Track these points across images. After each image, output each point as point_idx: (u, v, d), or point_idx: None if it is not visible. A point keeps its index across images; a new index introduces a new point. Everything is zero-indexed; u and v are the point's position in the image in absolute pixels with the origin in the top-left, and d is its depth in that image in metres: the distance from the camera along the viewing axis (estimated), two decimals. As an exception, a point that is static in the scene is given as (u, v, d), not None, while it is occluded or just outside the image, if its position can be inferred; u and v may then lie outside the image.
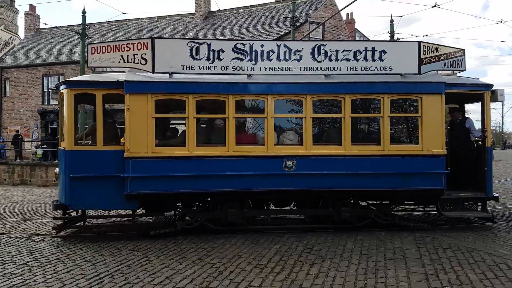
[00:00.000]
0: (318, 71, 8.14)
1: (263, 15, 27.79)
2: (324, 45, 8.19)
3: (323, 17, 25.15)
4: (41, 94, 30.16)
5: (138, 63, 7.96)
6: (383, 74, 8.19)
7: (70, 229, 8.55)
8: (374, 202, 8.90)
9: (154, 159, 7.77)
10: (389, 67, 8.19)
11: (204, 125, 9.14)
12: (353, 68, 8.16)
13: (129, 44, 8.03)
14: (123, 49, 8.03)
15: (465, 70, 8.97)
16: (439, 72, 8.75)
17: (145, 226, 8.72)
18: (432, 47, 8.47)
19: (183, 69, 7.94)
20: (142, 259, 6.56)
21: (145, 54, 7.90)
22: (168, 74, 7.95)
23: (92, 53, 8.25)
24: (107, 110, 10.98)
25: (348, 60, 8.14)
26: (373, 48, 8.20)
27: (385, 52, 8.17)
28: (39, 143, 26.22)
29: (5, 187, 18.89)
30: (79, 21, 23.09)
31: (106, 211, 9.43)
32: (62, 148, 8.17)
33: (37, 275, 5.83)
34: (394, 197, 8.56)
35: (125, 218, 9.25)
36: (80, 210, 8.46)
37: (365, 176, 8.04)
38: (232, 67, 8.01)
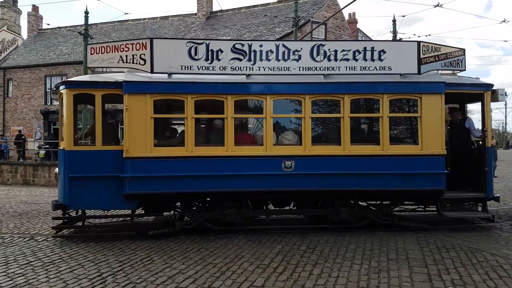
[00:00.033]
0: (317, 71, 8.12)
1: (265, 15, 27.78)
2: (323, 45, 8.17)
3: (325, 17, 25.08)
4: (44, 94, 30.26)
5: (137, 63, 7.97)
6: (382, 74, 8.16)
7: (69, 229, 8.56)
8: (374, 202, 8.88)
9: (153, 159, 7.78)
10: (388, 67, 8.16)
11: (203, 125, 9.14)
12: (352, 68, 8.14)
13: (128, 44, 8.04)
14: (122, 50, 8.04)
15: (465, 70, 8.94)
16: (440, 72, 8.72)
17: (144, 226, 8.72)
18: (431, 46, 8.44)
19: (181, 69, 7.95)
20: (144, 259, 6.58)
21: (144, 54, 7.91)
22: (166, 74, 7.96)
23: (91, 54, 8.28)
24: (110, 110, 11.01)
25: (347, 60, 8.12)
26: (372, 48, 8.17)
27: (384, 52, 8.15)
28: (42, 143, 26.30)
29: (8, 187, 18.95)
30: (81, 21, 23.17)
31: (106, 211, 9.45)
32: (61, 148, 8.20)
33: (40, 275, 5.85)
34: (393, 197, 8.54)
35: (126, 218, 9.25)
36: (80, 210, 8.49)
37: (364, 176, 8.02)
38: (231, 67, 8.00)
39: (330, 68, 8.12)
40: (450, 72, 8.99)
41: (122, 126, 8.09)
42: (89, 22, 21.84)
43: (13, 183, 20.85)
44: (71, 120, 7.98)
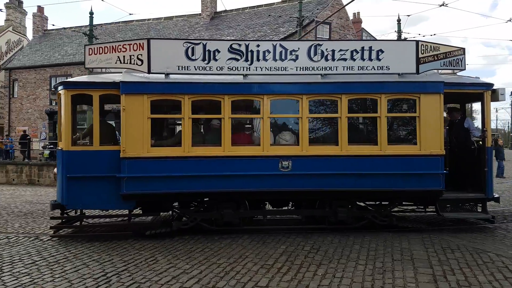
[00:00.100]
0: (315, 71, 8.08)
1: (269, 15, 27.73)
2: (321, 45, 8.14)
3: (330, 17, 25.00)
4: (49, 94, 30.40)
5: (134, 63, 7.98)
6: (380, 73, 8.11)
7: (68, 228, 8.61)
8: (373, 203, 8.83)
9: (150, 159, 7.79)
10: (386, 67, 8.11)
11: (200, 126, 9.14)
12: (349, 67, 8.10)
13: (125, 45, 8.05)
14: (119, 50, 8.06)
15: (465, 69, 8.86)
16: (440, 71, 8.65)
17: (142, 226, 8.74)
18: (430, 46, 8.37)
19: (178, 69, 7.95)
20: (149, 259, 6.60)
21: (141, 54, 7.92)
22: (164, 75, 7.96)
23: (89, 54, 8.29)
24: (115, 111, 11.02)
25: (345, 59, 8.08)
26: (370, 47, 8.13)
27: (382, 52, 8.10)
28: (47, 143, 26.44)
29: (14, 187, 19.10)
30: (86, 22, 23.27)
31: (104, 211, 9.48)
32: (59, 148, 8.24)
33: (45, 275, 5.89)
34: (391, 198, 8.49)
35: (124, 218, 9.26)
36: (79, 210, 8.53)
37: (362, 176, 7.98)
38: (228, 67, 7.99)
39: (328, 68, 8.08)
40: (450, 71, 8.92)
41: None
42: (94, 23, 21.95)
43: (18, 183, 21.01)
44: (69, 120, 8.02)
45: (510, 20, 21.96)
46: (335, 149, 8.04)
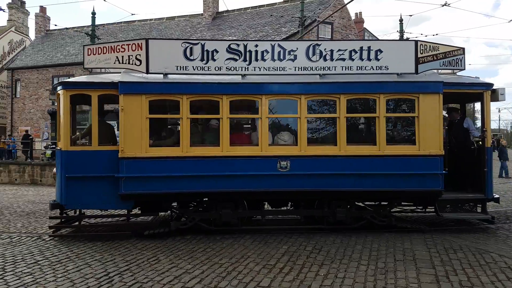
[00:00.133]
0: (313, 71, 8.06)
1: (271, 15, 27.73)
2: (319, 45, 8.12)
3: (332, 17, 25.00)
4: (50, 95, 30.49)
5: (132, 64, 7.99)
6: (379, 73, 8.09)
7: (67, 228, 8.62)
8: (373, 203, 8.81)
9: (148, 160, 7.79)
10: (385, 67, 8.09)
11: (199, 126, 9.13)
12: (348, 67, 8.08)
13: (124, 45, 8.06)
14: (118, 50, 8.07)
15: (464, 69, 8.81)
16: (439, 71, 8.62)
17: (140, 226, 8.74)
18: (430, 45, 8.34)
19: (177, 69, 7.95)
20: (151, 259, 6.61)
21: (140, 55, 7.92)
22: (162, 75, 7.97)
23: (88, 54, 8.30)
24: (116, 111, 11.01)
25: (343, 59, 8.06)
26: (369, 47, 8.10)
27: (381, 52, 8.07)
28: (49, 143, 26.51)
29: (16, 187, 19.15)
30: (88, 22, 23.37)
31: (103, 211, 9.49)
32: (58, 148, 8.25)
33: (47, 274, 5.90)
34: (390, 198, 8.46)
35: (123, 218, 9.29)
36: (78, 210, 8.54)
37: (361, 176, 7.96)
38: (226, 68, 7.98)
39: (326, 68, 8.07)
40: (450, 71, 8.88)
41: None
42: (96, 23, 22.03)
43: (20, 182, 21.07)
44: (68, 120, 8.03)
45: (512, 20, 21.90)
46: (334, 149, 8.02)
